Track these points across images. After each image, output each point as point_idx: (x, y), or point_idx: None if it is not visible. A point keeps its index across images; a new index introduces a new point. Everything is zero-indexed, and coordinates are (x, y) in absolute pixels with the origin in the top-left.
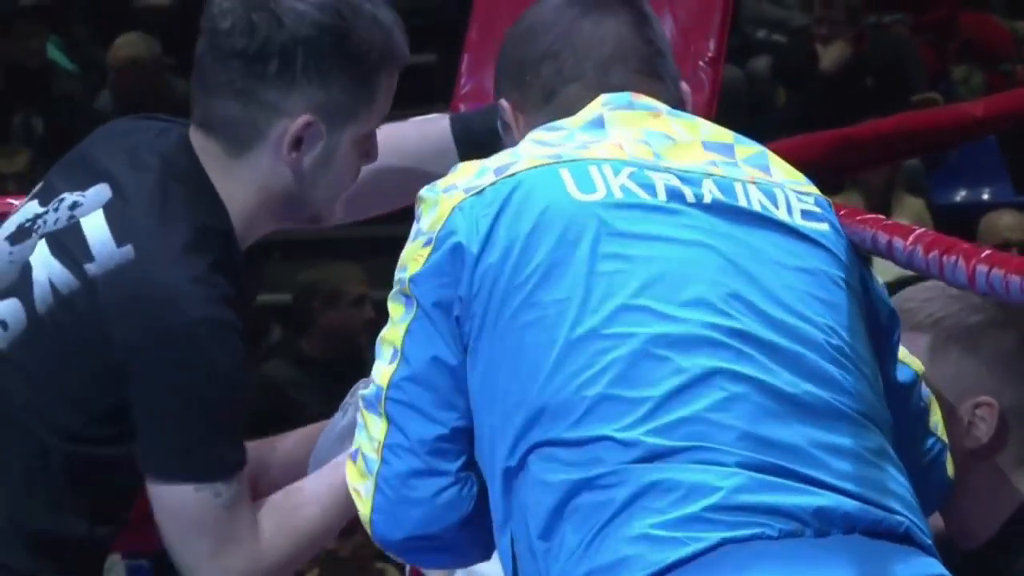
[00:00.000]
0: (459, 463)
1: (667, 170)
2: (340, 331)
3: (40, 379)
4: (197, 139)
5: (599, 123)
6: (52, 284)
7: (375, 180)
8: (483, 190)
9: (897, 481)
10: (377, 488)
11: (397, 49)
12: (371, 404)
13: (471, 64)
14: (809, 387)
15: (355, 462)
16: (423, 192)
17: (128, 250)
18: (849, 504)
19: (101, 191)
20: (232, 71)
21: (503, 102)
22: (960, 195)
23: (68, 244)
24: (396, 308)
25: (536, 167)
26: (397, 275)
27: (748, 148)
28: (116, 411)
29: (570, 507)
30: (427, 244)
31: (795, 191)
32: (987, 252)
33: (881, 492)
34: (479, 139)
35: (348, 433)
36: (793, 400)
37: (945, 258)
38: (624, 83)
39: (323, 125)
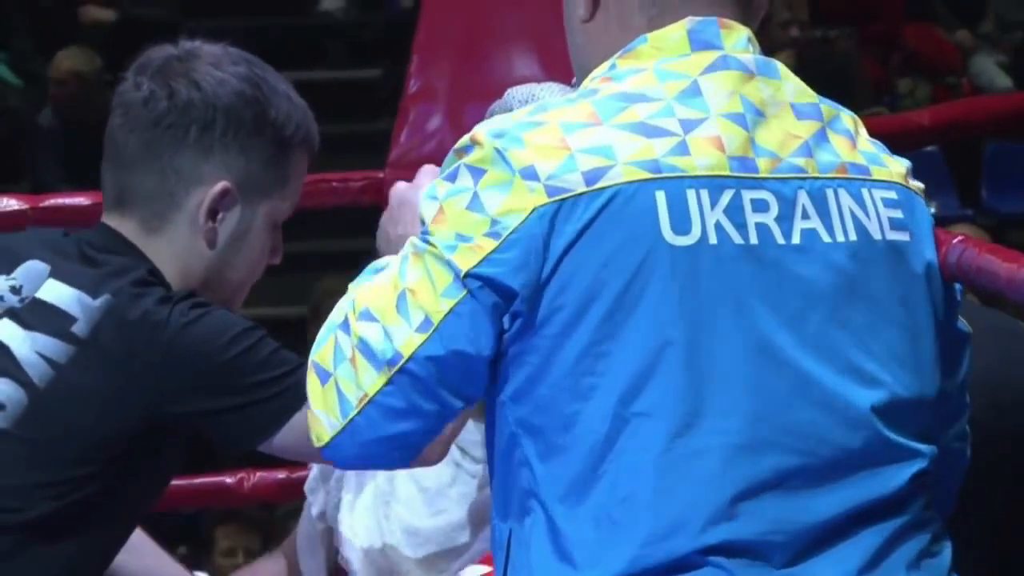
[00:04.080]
0: (434, 437)
1: (763, 184)
2: None
3: (44, 448)
4: (113, 222)
5: (695, 91)
6: (44, 357)
7: None
8: (566, 200)
9: None
10: (345, 431)
11: (312, 132)
12: (376, 359)
13: (420, 65)
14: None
15: (323, 385)
16: (489, 139)
17: (106, 298)
18: None
19: (32, 266)
20: (150, 140)
21: None
22: None
23: (39, 317)
24: (437, 272)
25: (632, 182)
26: (437, 240)
27: (830, 109)
28: (131, 445)
29: None
30: (492, 236)
31: (880, 183)
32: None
33: None
34: None
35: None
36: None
37: None
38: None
39: (238, 195)
